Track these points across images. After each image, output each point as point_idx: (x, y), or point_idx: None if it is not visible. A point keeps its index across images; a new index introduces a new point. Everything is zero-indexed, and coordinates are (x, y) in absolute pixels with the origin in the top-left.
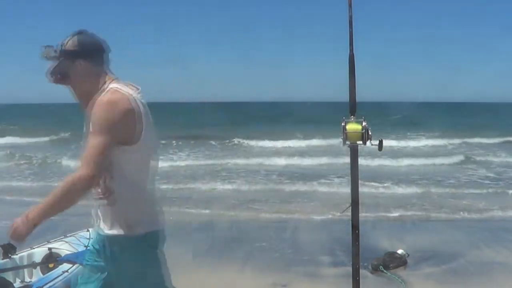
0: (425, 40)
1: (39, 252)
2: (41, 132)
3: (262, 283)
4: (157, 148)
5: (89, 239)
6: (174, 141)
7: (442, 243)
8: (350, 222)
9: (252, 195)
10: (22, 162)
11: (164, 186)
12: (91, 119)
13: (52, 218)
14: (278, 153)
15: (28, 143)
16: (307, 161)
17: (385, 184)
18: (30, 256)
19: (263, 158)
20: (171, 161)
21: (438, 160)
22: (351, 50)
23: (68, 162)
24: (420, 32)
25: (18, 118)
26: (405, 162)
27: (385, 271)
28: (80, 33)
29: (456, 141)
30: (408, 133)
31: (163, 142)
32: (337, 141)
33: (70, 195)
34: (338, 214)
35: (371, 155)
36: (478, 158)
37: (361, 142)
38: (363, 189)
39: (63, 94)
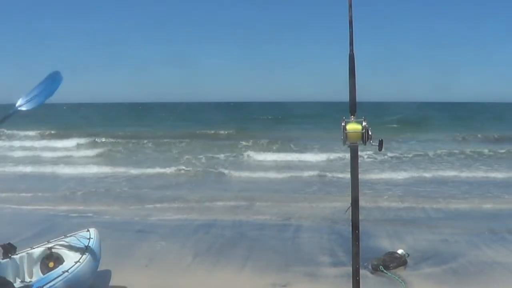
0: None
1: (39, 252)
2: None
3: (262, 283)
4: None
5: (89, 239)
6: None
7: (442, 243)
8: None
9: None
10: None
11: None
12: None
13: (52, 218)
14: None
15: None
16: None
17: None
18: (30, 256)
19: None
20: None
21: None
22: (351, 50)
23: None
24: (420, 32)
25: None
26: None
27: (385, 271)
28: None
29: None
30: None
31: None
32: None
33: None
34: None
35: None
36: None
37: (361, 142)
38: None
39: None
